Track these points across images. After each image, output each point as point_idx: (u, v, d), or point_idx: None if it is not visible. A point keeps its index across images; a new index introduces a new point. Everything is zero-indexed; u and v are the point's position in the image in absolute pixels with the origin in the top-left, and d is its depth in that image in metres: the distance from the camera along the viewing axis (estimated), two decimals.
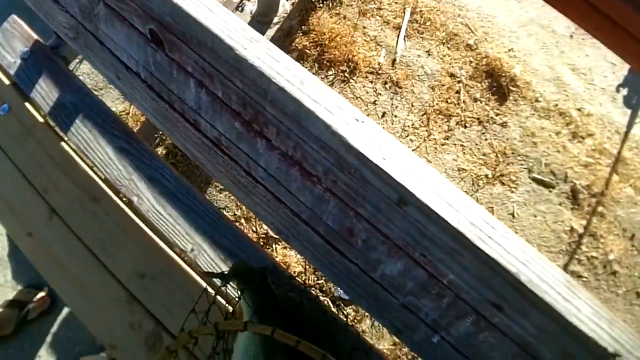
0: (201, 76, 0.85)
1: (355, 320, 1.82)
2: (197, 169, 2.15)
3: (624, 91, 2.44)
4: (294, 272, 1.88)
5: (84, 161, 1.34)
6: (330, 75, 2.40)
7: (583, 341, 0.62)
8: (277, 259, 1.91)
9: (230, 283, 1.03)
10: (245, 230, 2.02)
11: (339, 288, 1.80)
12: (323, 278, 1.89)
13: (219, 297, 1.04)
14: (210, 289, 1.08)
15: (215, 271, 1.09)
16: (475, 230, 0.64)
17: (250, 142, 0.86)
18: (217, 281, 1.04)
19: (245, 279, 0.99)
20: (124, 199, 1.26)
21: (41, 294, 1.99)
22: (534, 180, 2.19)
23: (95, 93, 2.37)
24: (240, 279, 0.99)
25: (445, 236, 0.65)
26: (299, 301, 1.03)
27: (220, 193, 2.15)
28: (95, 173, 1.32)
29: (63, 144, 1.35)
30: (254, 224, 2.07)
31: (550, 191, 2.17)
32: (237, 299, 1.01)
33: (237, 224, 2.01)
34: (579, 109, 2.36)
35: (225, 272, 1.00)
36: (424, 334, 0.85)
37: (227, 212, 2.11)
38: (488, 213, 0.67)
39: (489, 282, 0.66)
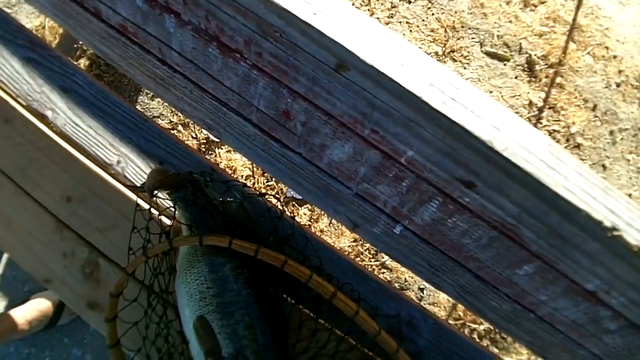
0: None
1: (312, 220, 1.72)
2: (125, 78, 1.93)
3: None
4: (242, 177, 1.73)
5: None
6: None
7: (573, 215, 0.50)
8: (222, 165, 1.76)
9: (160, 194, 0.89)
10: (184, 138, 1.84)
11: (290, 189, 1.68)
12: (273, 179, 1.75)
13: (154, 211, 0.91)
14: (144, 204, 0.94)
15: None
16: (435, 92, 0.49)
17: (158, 21, 0.69)
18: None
19: (174, 187, 0.85)
20: (43, 121, 1.08)
21: None
22: (487, 54, 2.03)
23: (8, 11, 2.09)
24: (168, 188, 0.85)
25: (399, 103, 0.51)
26: (239, 202, 0.90)
27: (153, 100, 1.95)
28: (5, 91, 1.12)
29: None
30: (193, 129, 1.89)
31: (505, 64, 2.02)
32: (172, 208, 0.88)
33: (174, 131, 1.83)
34: None
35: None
36: (384, 225, 0.74)
37: (162, 120, 1.92)
38: (449, 70, 0.52)
39: (456, 155, 0.52)
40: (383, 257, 1.75)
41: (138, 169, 0.98)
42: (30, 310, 1.64)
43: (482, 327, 1.71)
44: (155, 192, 0.85)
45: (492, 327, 1.72)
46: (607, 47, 2.05)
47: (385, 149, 0.58)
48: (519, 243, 0.59)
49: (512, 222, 0.56)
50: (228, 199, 0.89)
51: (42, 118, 1.05)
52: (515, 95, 1.98)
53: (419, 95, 0.48)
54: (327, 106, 0.57)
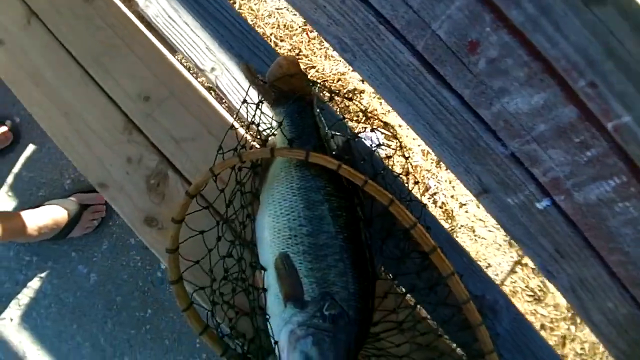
0: None
1: None
2: None
3: None
4: None
5: None
6: None
7: None
8: None
9: (264, 107, 0.83)
10: None
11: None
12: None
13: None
14: (235, 123, 0.87)
15: (241, 97, 0.87)
16: None
17: None
18: (246, 112, 0.84)
19: (292, 90, 0.80)
20: (131, 6, 1.00)
21: (3, 129, 1.74)
22: None
23: None
24: (287, 87, 0.80)
25: None
26: (345, 140, 0.85)
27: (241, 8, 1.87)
28: None
29: None
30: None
31: None
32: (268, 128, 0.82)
33: None
34: None
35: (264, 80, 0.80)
36: (527, 196, 0.68)
37: None
38: None
39: None
40: None
41: (234, 81, 0.91)
42: (43, 216, 1.58)
43: None
44: (272, 89, 0.79)
45: None
46: None
47: (592, 108, 0.52)
48: None
49: None
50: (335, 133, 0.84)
51: (129, 1, 0.98)
52: None
53: None
54: (545, 45, 0.51)
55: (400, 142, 0.77)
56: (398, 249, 0.87)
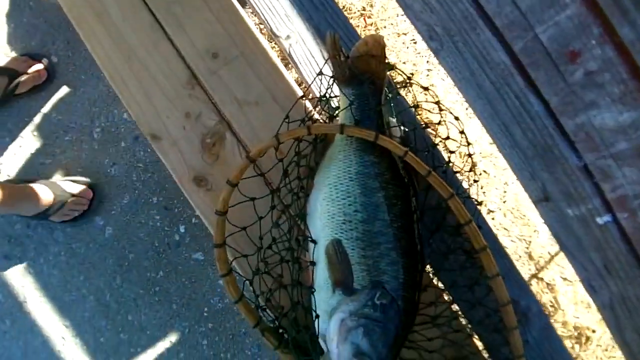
0: None
1: None
2: None
3: None
4: None
5: None
6: None
7: None
8: None
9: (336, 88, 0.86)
10: None
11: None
12: None
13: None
14: (304, 94, 0.91)
15: (312, 69, 0.90)
16: None
17: None
18: (319, 85, 0.87)
19: (372, 72, 0.82)
20: None
21: (38, 66, 1.77)
22: None
23: None
24: (365, 68, 0.82)
25: None
26: (411, 129, 0.88)
27: None
28: None
29: None
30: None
31: None
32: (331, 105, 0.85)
33: None
34: None
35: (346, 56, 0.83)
36: (590, 210, 0.72)
37: None
38: None
39: None
40: None
41: (307, 52, 0.95)
42: (29, 195, 1.60)
43: None
44: (350, 64, 0.82)
45: None
46: None
47: None
48: None
49: None
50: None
51: None
52: None
53: None
54: None
55: (467, 140, 0.80)
56: (445, 244, 0.91)
